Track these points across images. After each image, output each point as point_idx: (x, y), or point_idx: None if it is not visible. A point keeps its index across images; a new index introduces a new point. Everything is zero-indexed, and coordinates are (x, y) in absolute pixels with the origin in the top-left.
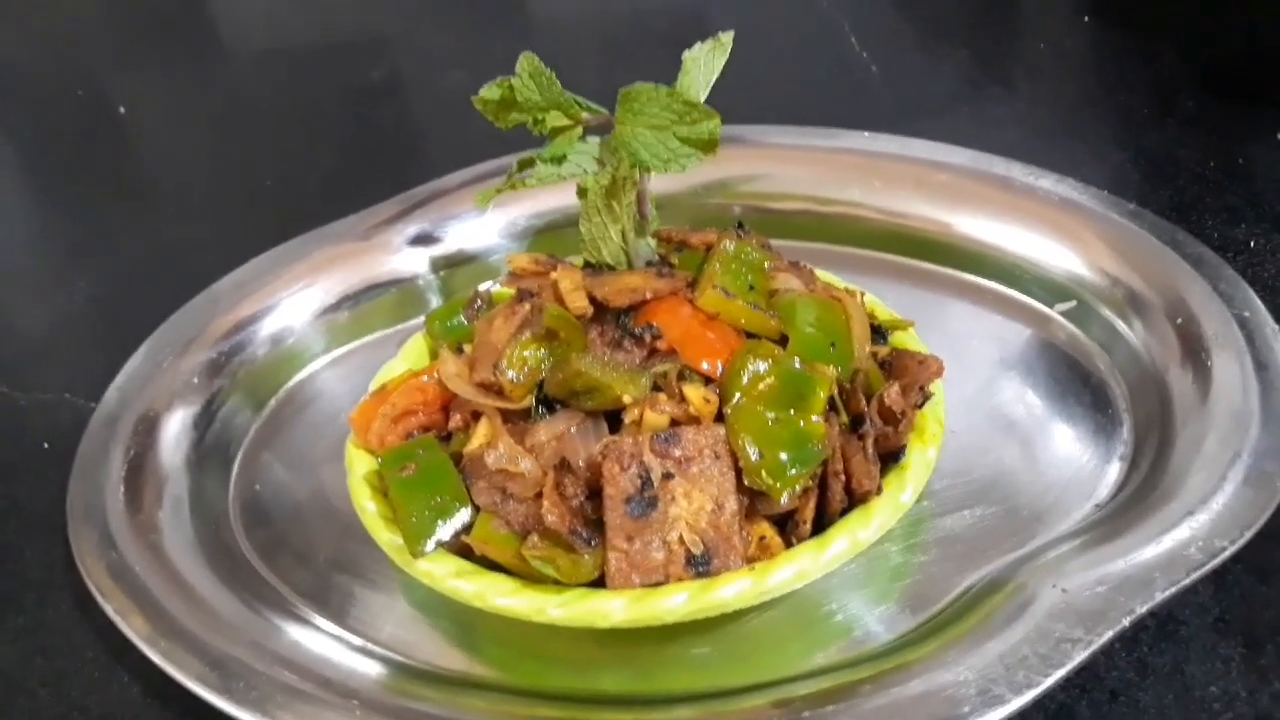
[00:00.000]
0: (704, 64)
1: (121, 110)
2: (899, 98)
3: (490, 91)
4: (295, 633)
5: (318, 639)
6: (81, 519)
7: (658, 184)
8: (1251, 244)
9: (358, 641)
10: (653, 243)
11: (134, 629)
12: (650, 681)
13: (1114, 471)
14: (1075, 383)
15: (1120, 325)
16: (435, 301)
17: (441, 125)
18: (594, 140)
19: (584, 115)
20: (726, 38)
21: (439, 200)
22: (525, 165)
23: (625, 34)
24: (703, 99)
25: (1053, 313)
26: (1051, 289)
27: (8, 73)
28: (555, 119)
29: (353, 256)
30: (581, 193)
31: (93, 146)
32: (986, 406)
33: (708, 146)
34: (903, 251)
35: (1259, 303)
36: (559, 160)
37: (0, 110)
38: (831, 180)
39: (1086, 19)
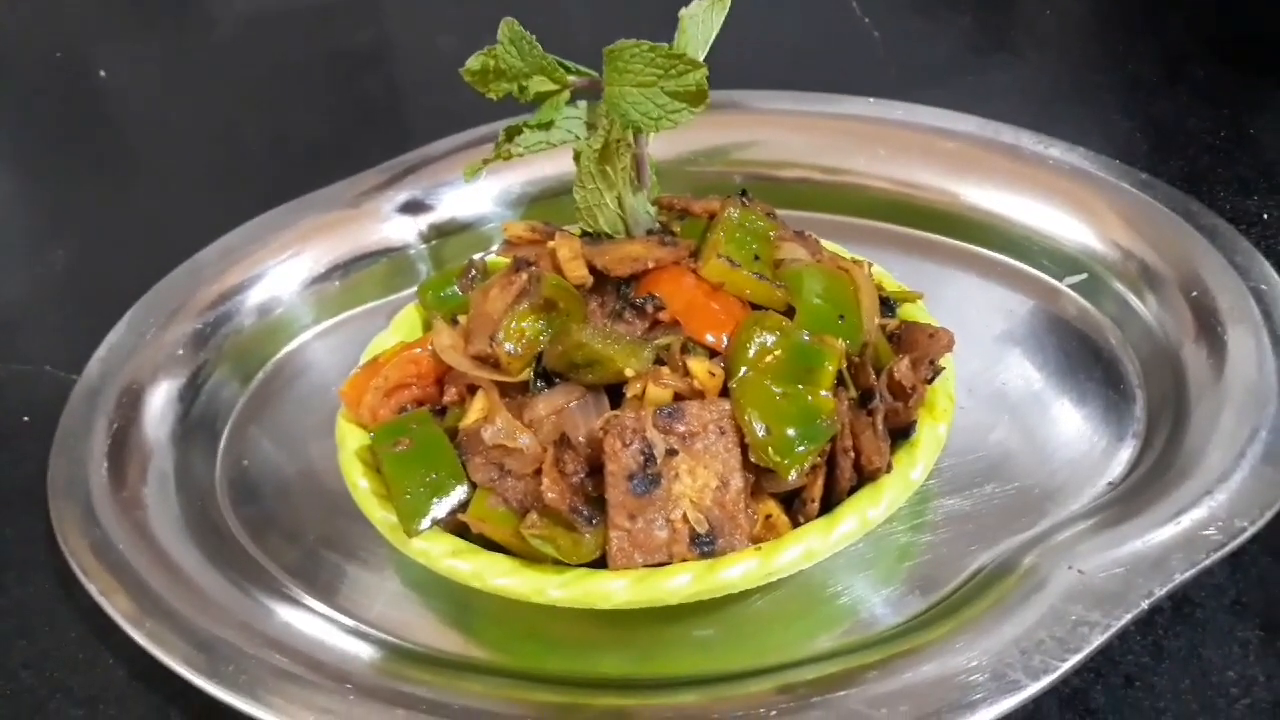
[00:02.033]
0: (702, 21)
1: (102, 74)
2: (902, 64)
3: (476, 62)
4: (285, 613)
5: (309, 620)
6: (63, 495)
7: (657, 150)
8: (1265, 216)
9: (350, 622)
10: (652, 209)
11: (118, 609)
12: (652, 664)
13: (1127, 449)
14: (1086, 358)
15: (1132, 299)
16: (427, 271)
17: (431, 90)
18: (585, 104)
19: (570, 78)
20: None
21: (430, 167)
22: (513, 133)
23: None
24: (701, 58)
25: (1062, 286)
26: (1061, 261)
27: None
28: (539, 84)
29: (342, 225)
30: (577, 158)
31: (72, 111)
32: (994, 382)
33: (696, 99)
34: (908, 222)
35: (1275, 275)
36: (546, 126)
37: None
38: (835, 148)
39: None
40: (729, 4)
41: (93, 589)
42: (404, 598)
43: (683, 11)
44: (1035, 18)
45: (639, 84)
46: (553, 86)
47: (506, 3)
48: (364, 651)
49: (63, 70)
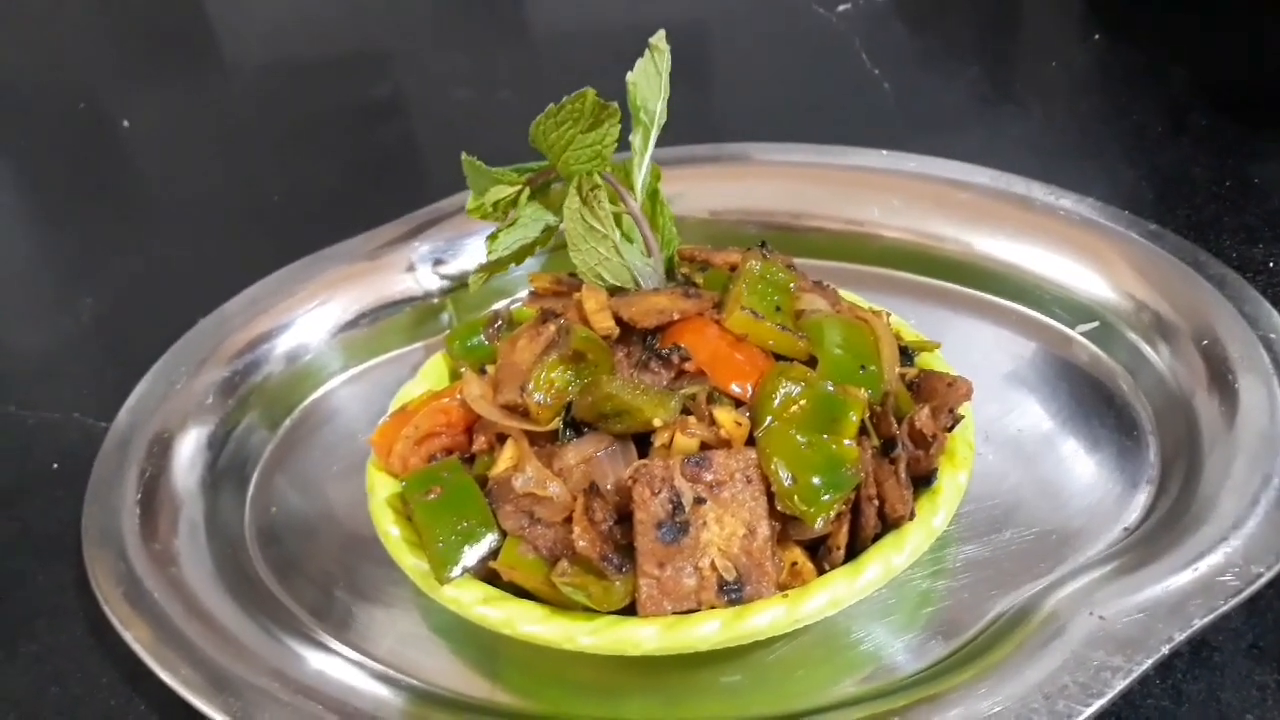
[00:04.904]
0: (649, 75)
1: (125, 125)
2: (911, 116)
3: (473, 201)
4: (316, 660)
5: (339, 665)
6: (97, 544)
7: (676, 204)
8: (1271, 264)
9: (379, 668)
10: (651, 262)
11: (153, 656)
12: (678, 709)
13: (1142, 496)
14: (1099, 405)
15: (1144, 347)
16: (450, 319)
17: (446, 142)
18: (554, 189)
19: (523, 177)
20: (658, 39)
21: (452, 219)
22: (494, 240)
23: (629, 49)
24: (661, 106)
25: (1075, 333)
26: (1073, 310)
27: (9, 87)
28: (496, 194)
29: (368, 274)
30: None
31: (97, 161)
32: (1010, 429)
33: (603, 118)
34: (923, 271)
35: None
36: (514, 224)
37: (2, 124)
38: (850, 199)
39: (1096, 37)
40: (667, 52)
41: (127, 636)
42: (432, 643)
43: (629, 76)
44: (1041, 70)
45: (565, 145)
46: (510, 191)
47: (520, 55)
48: (393, 697)
49: (87, 121)
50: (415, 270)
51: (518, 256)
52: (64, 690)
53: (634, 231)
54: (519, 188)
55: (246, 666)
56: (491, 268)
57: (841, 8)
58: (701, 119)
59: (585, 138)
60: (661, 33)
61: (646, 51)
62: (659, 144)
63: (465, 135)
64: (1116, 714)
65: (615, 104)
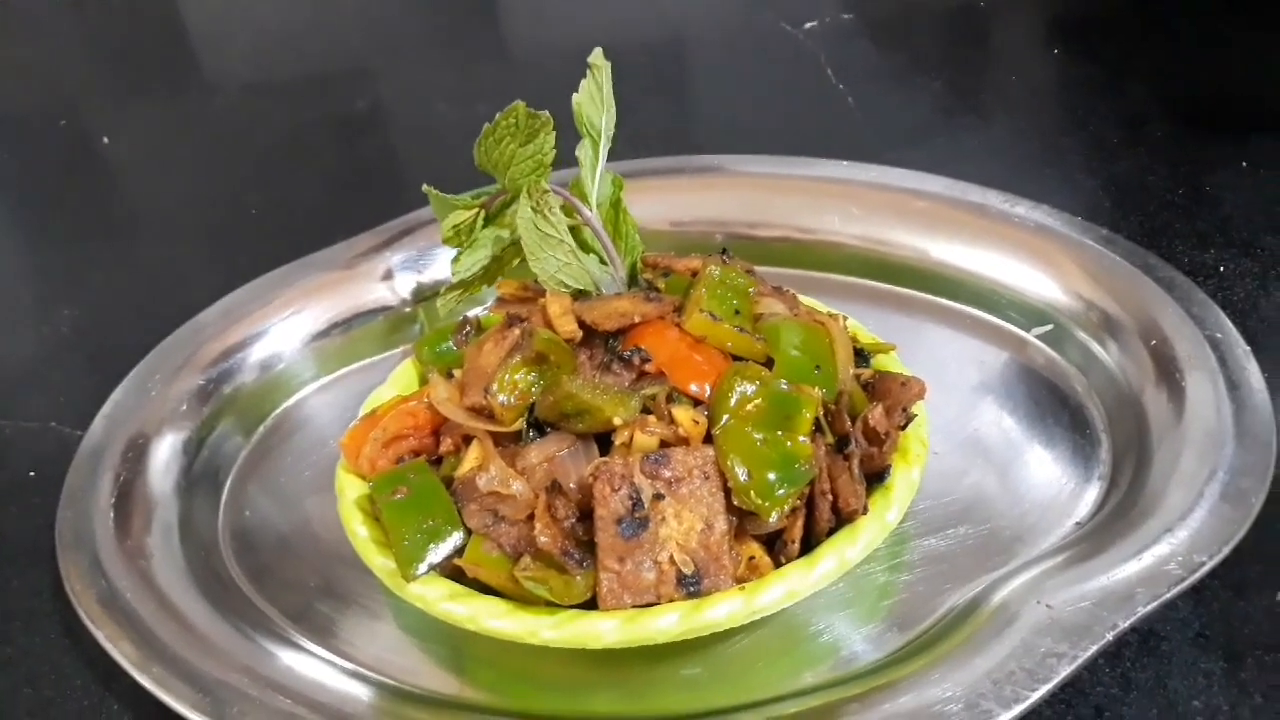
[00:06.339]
0: (591, 94)
1: (105, 141)
2: (876, 129)
3: (445, 231)
4: (287, 658)
5: (310, 664)
6: (71, 546)
7: (642, 212)
8: (1221, 269)
9: (349, 666)
10: (610, 269)
11: (125, 656)
12: (641, 702)
13: (1093, 491)
14: (1054, 404)
15: (1096, 348)
16: (421, 327)
17: (425, 156)
18: (507, 212)
19: (479, 201)
20: (595, 57)
21: (426, 229)
22: (458, 261)
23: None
24: (607, 119)
25: (1030, 336)
26: (1028, 313)
27: None
28: (455, 219)
29: (340, 284)
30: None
31: (76, 177)
32: (967, 428)
33: (533, 133)
34: (881, 277)
35: (1230, 324)
36: (474, 245)
37: None
38: (811, 208)
39: (1055, 51)
40: (607, 68)
41: (100, 636)
42: (400, 641)
43: (574, 97)
44: (1003, 83)
45: (508, 162)
46: (467, 215)
47: (498, 71)
48: (363, 693)
49: (67, 138)
50: (388, 279)
51: (488, 277)
52: (36, 692)
53: (595, 242)
54: (475, 211)
55: (217, 664)
56: (462, 289)
57: (808, 25)
58: (673, 133)
59: (524, 151)
60: (598, 50)
61: (588, 71)
62: (626, 156)
63: (444, 149)
64: (1067, 701)
65: (546, 113)
